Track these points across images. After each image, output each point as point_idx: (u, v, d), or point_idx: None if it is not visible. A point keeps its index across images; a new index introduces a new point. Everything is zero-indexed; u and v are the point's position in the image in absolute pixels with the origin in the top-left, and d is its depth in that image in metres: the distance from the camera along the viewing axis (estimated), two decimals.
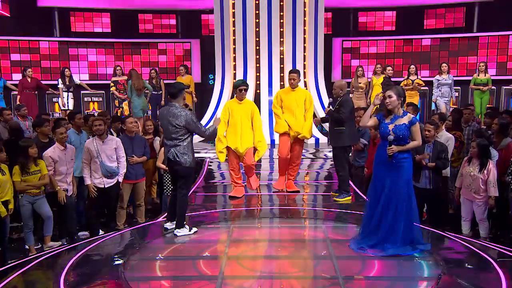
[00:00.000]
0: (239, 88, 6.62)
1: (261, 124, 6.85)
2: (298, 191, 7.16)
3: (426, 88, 12.51)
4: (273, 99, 7.20)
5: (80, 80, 12.61)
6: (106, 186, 6.35)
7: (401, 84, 10.93)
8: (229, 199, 6.81)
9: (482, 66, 11.13)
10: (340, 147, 6.57)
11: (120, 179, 6.48)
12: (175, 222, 5.49)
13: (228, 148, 6.73)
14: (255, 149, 6.79)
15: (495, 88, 12.58)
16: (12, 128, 7.57)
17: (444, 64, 11.14)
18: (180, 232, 5.41)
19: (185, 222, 5.49)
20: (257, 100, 12.16)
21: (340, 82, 6.74)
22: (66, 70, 11.53)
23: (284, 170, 7.20)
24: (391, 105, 4.85)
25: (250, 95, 12.19)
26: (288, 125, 6.90)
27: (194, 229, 5.51)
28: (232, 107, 6.70)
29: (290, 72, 6.99)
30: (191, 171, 5.51)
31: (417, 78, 11.28)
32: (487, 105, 11.43)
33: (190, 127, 5.33)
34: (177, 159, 5.31)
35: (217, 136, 6.52)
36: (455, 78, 11.29)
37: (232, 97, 12.38)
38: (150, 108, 12.15)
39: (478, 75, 11.14)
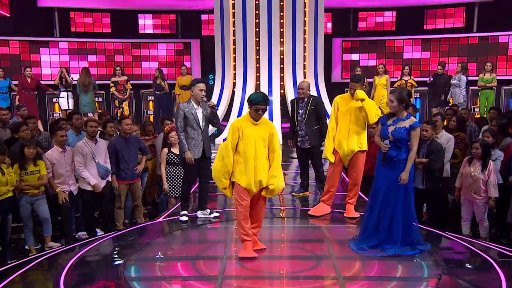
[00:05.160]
0: (256, 108, 4.68)
1: (280, 153, 4.86)
2: (358, 217, 5.92)
3: (426, 88, 12.51)
4: (332, 107, 6.02)
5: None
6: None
7: (395, 85, 10.98)
8: (239, 260, 4.75)
9: (489, 66, 11.12)
10: (318, 145, 6.76)
11: (110, 179, 6.50)
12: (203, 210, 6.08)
13: (235, 184, 4.79)
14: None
15: (501, 87, 12.58)
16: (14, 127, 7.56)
17: (458, 65, 11.12)
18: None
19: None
20: None
21: (307, 82, 7.02)
22: (63, 70, 11.54)
23: (327, 195, 6.12)
24: (392, 109, 4.92)
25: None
26: (336, 144, 5.93)
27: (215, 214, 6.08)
28: (243, 128, 4.73)
29: (351, 80, 5.92)
30: (184, 161, 5.85)
31: (410, 78, 11.33)
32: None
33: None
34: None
35: (227, 167, 4.73)
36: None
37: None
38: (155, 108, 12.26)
39: (484, 75, 11.14)
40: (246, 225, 4.76)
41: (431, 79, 11.38)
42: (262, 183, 4.72)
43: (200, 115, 5.82)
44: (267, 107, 4.74)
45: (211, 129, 11.86)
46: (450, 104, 11.18)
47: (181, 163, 6.11)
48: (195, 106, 5.80)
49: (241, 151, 4.72)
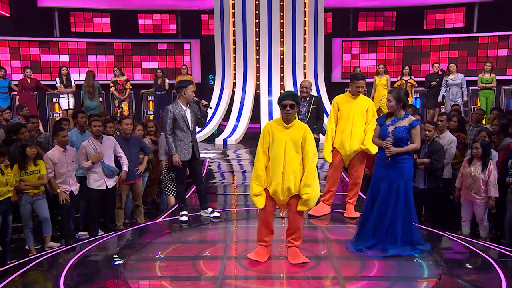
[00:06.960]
0: (282, 104, 4.48)
1: (313, 159, 4.51)
2: (358, 217, 5.65)
3: (426, 88, 12.50)
4: (331, 107, 6.03)
5: (79, 80, 12.60)
6: (108, 188, 6.35)
7: (395, 85, 10.99)
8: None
9: (488, 66, 11.14)
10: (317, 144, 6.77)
11: (124, 176, 6.46)
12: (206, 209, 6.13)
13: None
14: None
15: (501, 87, 12.57)
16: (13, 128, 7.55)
17: (452, 64, 11.16)
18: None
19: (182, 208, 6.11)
20: (257, 100, 12.17)
21: (308, 81, 7.06)
22: (63, 69, 11.53)
23: (327, 195, 6.08)
24: (390, 109, 4.92)
25: (250, 96, 12.20)
26: (338, 145, 5.88)
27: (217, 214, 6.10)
28: (274, 131, 4.53)
29: (354, 78, 5.83)
30: (176, 163, 5.86)
31: (410, 78, 11.35)
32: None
33: None
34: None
35: (256, 172, 4.56)
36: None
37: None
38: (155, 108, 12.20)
39: (484, 75, 11.15)
40: (262, 230, 4.67)
41: (437, 80, 11.33)
42: (291, 191, 4.45)
43: (189, 117, 5.81)
44: (295, 102, 4.47)
45: (211, 129, 11.91)
46: (443, 105, 11.25)
47: (169, 165, 6.21)
48: (184, 107, 5.78)
49: (271, 156, 4.50)
